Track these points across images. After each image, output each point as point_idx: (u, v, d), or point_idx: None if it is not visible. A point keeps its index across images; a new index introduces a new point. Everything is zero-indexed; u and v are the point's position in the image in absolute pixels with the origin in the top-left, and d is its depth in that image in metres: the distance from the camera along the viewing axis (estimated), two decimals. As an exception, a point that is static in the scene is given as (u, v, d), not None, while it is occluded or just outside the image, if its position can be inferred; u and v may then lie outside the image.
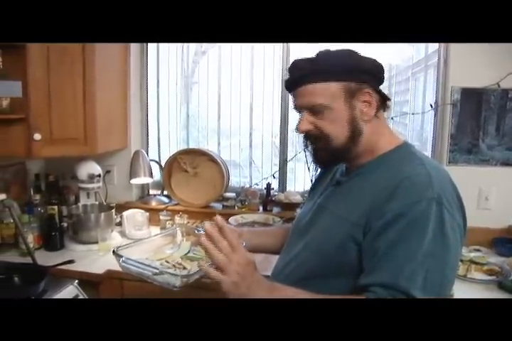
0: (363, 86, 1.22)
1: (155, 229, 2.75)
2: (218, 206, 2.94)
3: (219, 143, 3.07)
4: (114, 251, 1.48)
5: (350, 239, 1.19)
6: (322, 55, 1.24)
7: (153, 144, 3.18)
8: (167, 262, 1.48)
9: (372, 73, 1.24)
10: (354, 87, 1.21)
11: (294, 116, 2.88)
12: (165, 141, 3.18)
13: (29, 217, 2.47)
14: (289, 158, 2.93)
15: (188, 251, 1.56)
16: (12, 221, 2.39)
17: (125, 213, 2.71)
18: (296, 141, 2.91)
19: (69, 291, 1.97)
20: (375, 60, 1.26)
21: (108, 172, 2.89)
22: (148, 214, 2.77)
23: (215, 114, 3.05)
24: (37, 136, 2.31)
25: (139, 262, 1.42)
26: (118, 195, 2.97)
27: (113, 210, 2.59)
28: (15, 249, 2.44)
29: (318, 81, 1.21)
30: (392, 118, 2.75)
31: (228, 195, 2.94)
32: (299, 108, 1.28)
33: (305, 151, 2.64)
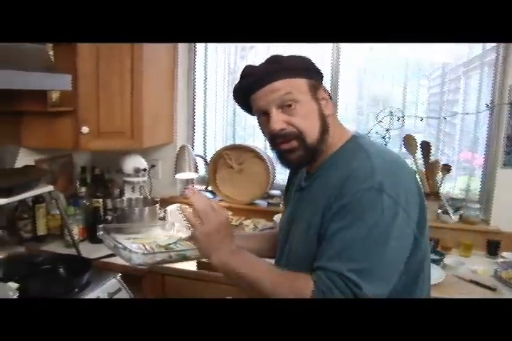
0: (321, 83, 1.29)
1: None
2: (263, 203, 2.90)
3: (265, 140, 3.02)
4: (102, 227, 1.69)
5: (317, 242, 1.19)
6: (280, 57, 1.28)
7: (198, 140, 3.16)
8: (143, 245, 1.60)
9: (320, 74, 1.31)
10: (315, 83, 1.26)
11: (343, 113, 2.85)
12: (211, 137, 3.16)
13: (75, 209, 2.49)
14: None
15: (172, 243, 1.64)
16: (58, 212, 2.42)
17: (169, 208, 2.71)
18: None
19: (112, 284, 1.97)
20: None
21: (153, 166, 2.89)
22: (191, 209, 2.75)
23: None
24: (84, 129, 2.33)
25: (113, 238, 1.61)
26: (162, 190, 2.97)
27: (157, 205, 2.58)
28: (60, 240, 2.47)
29: (285, 77, 1.23)
30: (445, 118, 2.67)
31: (273, 192, 2.90)
32: (264, 109, 1.25)
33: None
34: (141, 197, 2.68)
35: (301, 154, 1.25)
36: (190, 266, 2.16)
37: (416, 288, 1.22)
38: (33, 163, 2.51)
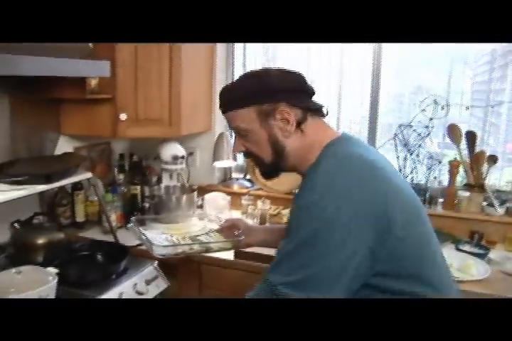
0: (277, 105, 1.25)
1: (236, 213, 2.72)
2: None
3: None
4: (134, 219, 1.80)
5: None
6: (235, 83, 1.32)
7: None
8: (171, 236, 1.73)
9: (288, 90, 1.27)
10: (267, 109, 1.25)
11: (384, 102, 2.78)
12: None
13: (112, 196, 2.50)
14: (377, 145, 2.79)
15: (203, 234, 1.75)
16: (96, 199, 2.43)
17: (207, 196, 2.69)
18: (386, 129, 2.77)
19: (149, 271, 1.97)
20: (293, 75, 1.30)
21: (191, 154, 2.87)
22: (229, 197, 2.75)
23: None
24: (123, 116, 2.32)
25: (139, 230, 1.72)
26: (200, 178, 2.95)
27: (195, 192, 2.57)
28: (98, 227, 2.49)
29: (234, 108, 1.29)
30: (492, 107, 2.57)
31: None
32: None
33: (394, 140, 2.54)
34: (179, 184, 2.67)
35: (262, 169, 1.38)
36: (227, 255, 2.13)
37: (418, 291, 1.16)
38: (72, 151, 2.52)
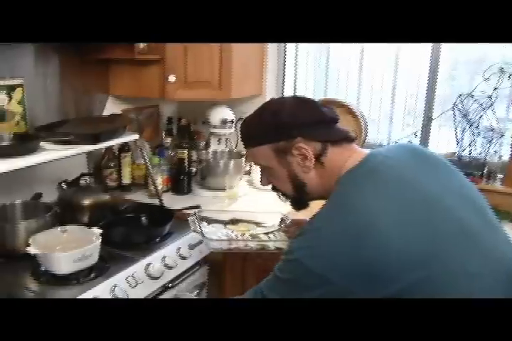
0: (293, 141, 1.20)
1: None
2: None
3: (358, 97, 2.86)
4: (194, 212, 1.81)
5: None
6: (252, 118, 1.28)
7: (288, 93, 3.02)
8: (232, 232, 1.75)
9: (304, 124, 1.20)
10: (283, 146, 1.21)
11: (444, 70, 2.62)
12: (301, 90, 3.00)
13: (159, 159, 2.46)
14: (434, 115, 2.65)
15: (267, 232, 1.76)
16: (143, 162, 2.41)
17: (254, 162, 2.63)
18: (444, 99, 2.63)
19: (193, 237, 1.93)
20: (309, 106, 1.24)
21: (241, 119, 2.80)
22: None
23: (357, 67, 2.82)
24: (171, 78, 2.26)
25: (198, 224, 1.72)
26: (248, 144, 2.88)
27: (243, 158, 2.51)
28: (144, 190, 2.47)
29: (251, 146, 1.28)
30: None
31: (365, 151, 2.74)
32: None
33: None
34: (227, 149, 2.62)
35: (290, 202, 1.36)
36: (274, 222, 2.06)
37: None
38: (120, 113, 2.50)
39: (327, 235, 1.07)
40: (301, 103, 1.24)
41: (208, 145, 2.65)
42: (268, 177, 1.32)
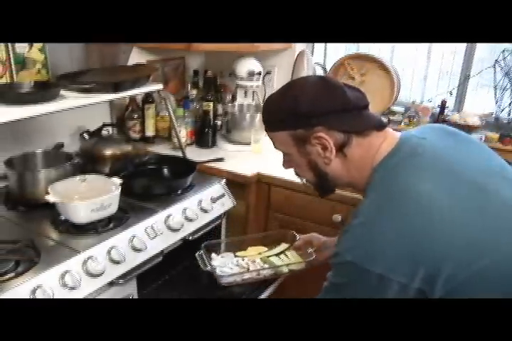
0: (313, 130, 1.11)
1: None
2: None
3: (392, 51, 2.73)
4: (203, 246, 1.68)
5: None
6: (272, 100, 1.21)
7: (319, 46, 2.90)
8: (242, 259, 1.66)
9: (326, 113, 1.11)
10: (301, 134, 1.13)
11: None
12: (332, 44, 2.88)
13: (184, 111, 2.40)
14: (472, 74, 2.51)
15: (278, 253, 1.69)
16: (167, 114, 2.35)
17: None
18: (483, 56, 2.48)
19: (215, 189, 1.89)
20: (335, 92, 1.12)
21: (268, 73, 2.71)
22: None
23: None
24: (197, 27, 2.17)
25: (208, 259, 1.64)
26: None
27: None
28: (167, 143, 2.43)
29: (271, 130, 1.21)
30: None
31: (396, 108, 2.63)
32: None
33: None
34: (253, 103, 2.54)
35: (314, 188, 1.28)
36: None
37: None
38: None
39: (378, 229, 1.00)
40: (324, 89, 1.13)
41: (234, 98, 2.58)
42: (289, 163, 1.26)
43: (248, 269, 1.59)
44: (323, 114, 1.11)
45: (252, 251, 1.71)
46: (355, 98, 1.13)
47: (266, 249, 1.72)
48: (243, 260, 1.65)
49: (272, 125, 1.20)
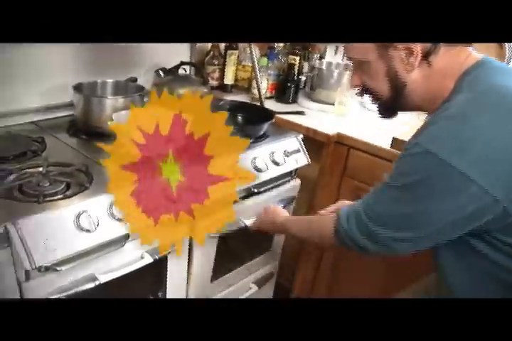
0: None
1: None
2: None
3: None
4: None
5: None
6: None
7: None
8: None
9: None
10: None
11: None
12: None
13: (268, 61, 2.23)
14: None
15: None
16: (250, 64, 2.20)
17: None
18: None
19: (291, 143, 1.73)
20: None
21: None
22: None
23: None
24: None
25: None
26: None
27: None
28: (246, 94, 2.27)
29: None
30: None
31: None
32: None
33: None
34: (342, 63, 2.34)
35: (379, 107, 1.20)
36: (383, 143, 1.80)
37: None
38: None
39: (474, 122, 0.89)
40: None
41: (322, 57, 2.38)
42: (361, 75, 1.14)
43: None
44: None
45: None
46: None
47: None
48: None
49: None
